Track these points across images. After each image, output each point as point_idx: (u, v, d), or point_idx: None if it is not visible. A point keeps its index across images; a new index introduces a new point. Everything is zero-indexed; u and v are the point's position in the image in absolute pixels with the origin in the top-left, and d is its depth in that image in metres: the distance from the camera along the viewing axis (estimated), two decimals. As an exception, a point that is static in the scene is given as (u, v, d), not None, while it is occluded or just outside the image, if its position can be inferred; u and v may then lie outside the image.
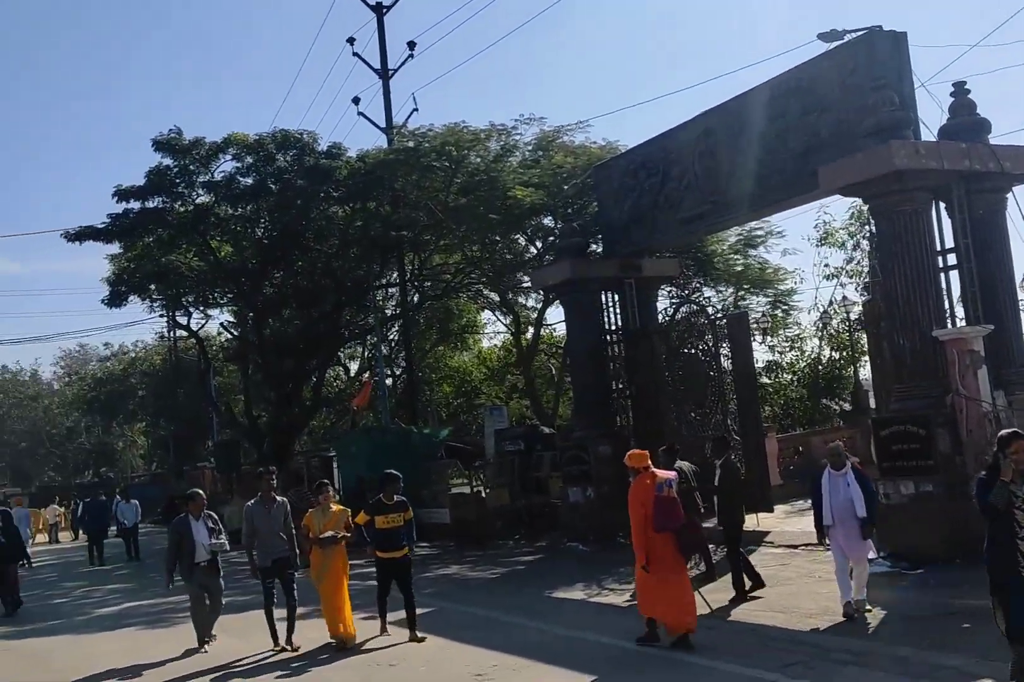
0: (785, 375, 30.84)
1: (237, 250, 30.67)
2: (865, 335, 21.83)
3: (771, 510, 17.08)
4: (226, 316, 36.19)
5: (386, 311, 34.93)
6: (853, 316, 28.80)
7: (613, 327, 20.47)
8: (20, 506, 27.24)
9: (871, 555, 10.80)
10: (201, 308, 34.57)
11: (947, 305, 13.92)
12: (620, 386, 20.35)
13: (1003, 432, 6.84)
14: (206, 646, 11.65)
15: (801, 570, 13.43)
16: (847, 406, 30.02)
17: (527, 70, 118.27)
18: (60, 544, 38.34)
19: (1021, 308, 15.32)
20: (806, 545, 14.72)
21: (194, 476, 42.41)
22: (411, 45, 29.29)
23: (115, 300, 30.07)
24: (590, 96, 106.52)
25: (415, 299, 32.76)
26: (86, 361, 78.80)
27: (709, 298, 23.73)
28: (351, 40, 29.48)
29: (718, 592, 11.86)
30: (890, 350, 13.93)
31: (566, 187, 23.30)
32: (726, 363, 18.08)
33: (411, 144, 25.69)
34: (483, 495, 23.10)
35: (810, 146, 15.19)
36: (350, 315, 33.62)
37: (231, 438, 39.95)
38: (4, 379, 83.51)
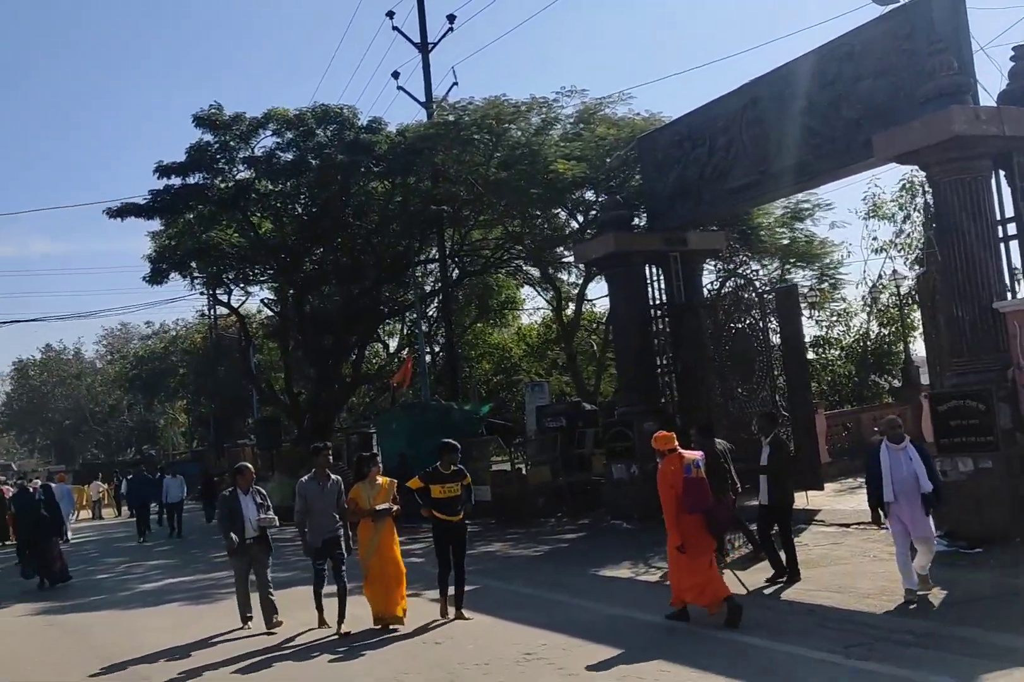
0: (832, 351, 30.27)
1: (277, 226, 30.69)
2: (917, 309, 21.31)
3: (822, 488, 16.69)
4: (266, 293, 36.26)
5: (425, 287, 34.78)
6: (903, 290, 28.23)
7: (657, 302, 20.09)
8: (63, 482, 27.49)
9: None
10: (241, 285, 34.62)
11: (1007, 276, 13.44)
12: (665, 362, 19.97)
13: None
14: (248, 624, 11.36)
15: (855, 549, 13.10)
16: (896, 382, 29.45)
17: (568, 43, 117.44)
18: (103, 520, 38.76)
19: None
20: (858, 524, 14.35)
21: (234, 453, 42.65)
22: (451, 18, 28.92)
23: (156, 277, 30.17)
24: (632, 69, 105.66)
25: (455, 275, 32.55)
26: (128, 340, 79.70)
27: (757, 272, 23.22)
28: (391, 14, 29.29)
29: (767, 571, 11.61)
30: (946, 324, 13.52)
31: (609, 160, 22.91)
32: (774, 338, 17.69)
33: (451, 118, 25.43)
34: (524, 472, 22.87)
35: (864, 113, 14.79)
36: (390, 291, 33.55)
37: (271, 415, 40.05)
38: (48, 358, 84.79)
